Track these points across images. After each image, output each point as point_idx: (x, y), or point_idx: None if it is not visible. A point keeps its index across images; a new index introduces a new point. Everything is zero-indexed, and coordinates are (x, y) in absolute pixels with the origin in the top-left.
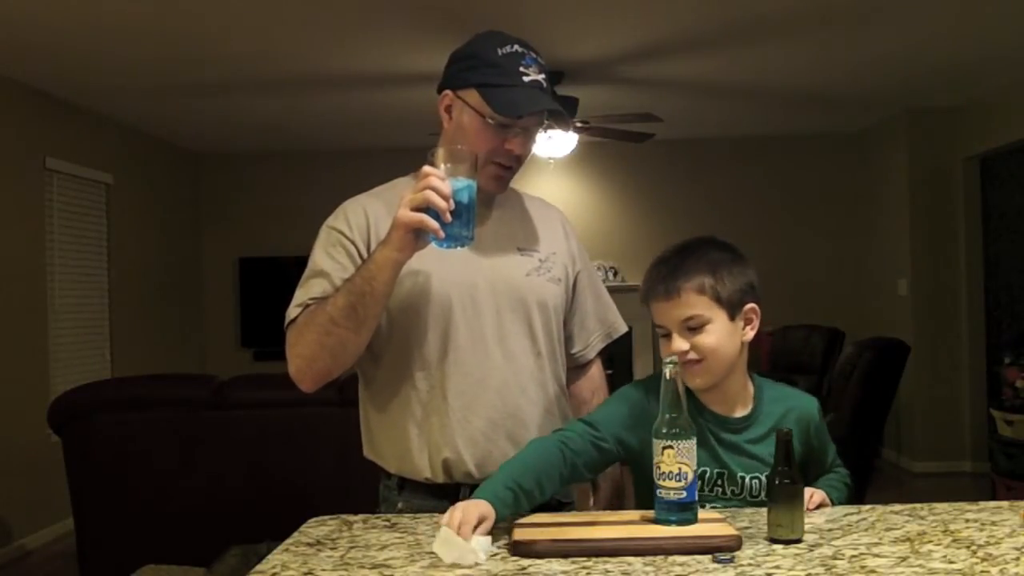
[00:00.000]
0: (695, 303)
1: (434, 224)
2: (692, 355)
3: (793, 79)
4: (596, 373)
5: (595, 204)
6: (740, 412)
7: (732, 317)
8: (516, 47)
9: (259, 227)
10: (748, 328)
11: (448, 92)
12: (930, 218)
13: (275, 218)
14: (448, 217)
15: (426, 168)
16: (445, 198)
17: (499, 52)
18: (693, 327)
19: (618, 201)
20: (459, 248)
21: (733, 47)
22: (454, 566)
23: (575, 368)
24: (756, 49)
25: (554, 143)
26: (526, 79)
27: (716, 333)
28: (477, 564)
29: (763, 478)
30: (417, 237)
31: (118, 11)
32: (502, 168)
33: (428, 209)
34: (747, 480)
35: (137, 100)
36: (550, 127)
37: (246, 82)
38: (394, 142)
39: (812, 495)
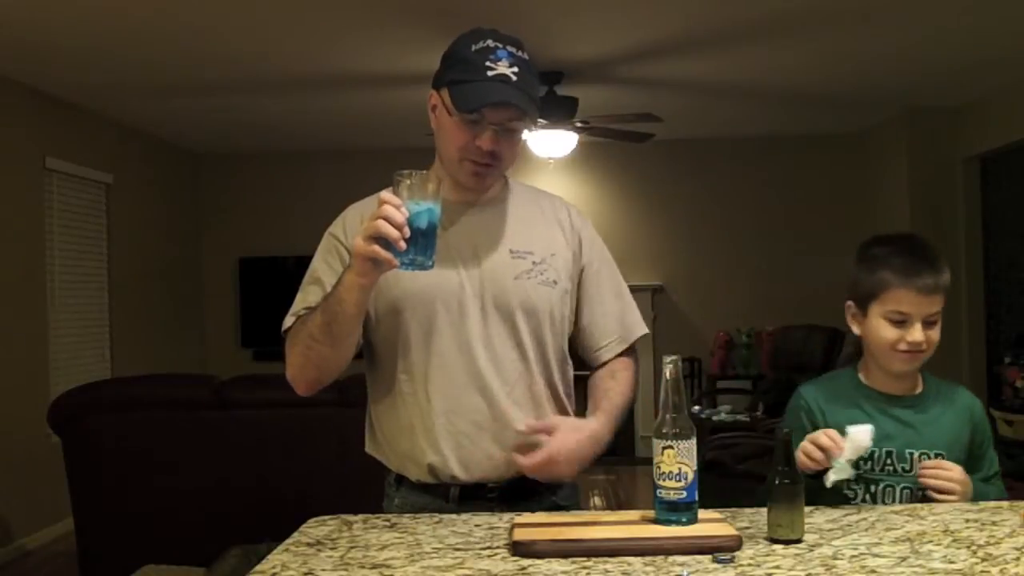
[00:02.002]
0: (940, 302)
1: (386, 255)
2: (923, 346)
3: (793, 79)
4: (620, 367)
5: (595, 204)
6: (913, 392)
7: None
8: (490, 42)
9: (259, 227)
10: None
11: (432, 92)
12: (930, 218)
13: (275, 218)
14: (402, 246)
15: (382, 195)
16: (399, 227)
17: (472, 48)
18: (931, 321)
19: (618, 201)
20: (420, 270)
21: (733, 47)
22: (455, 566)
23: (598, 365)
24: (756, 49)
25: (554, 143)
26: (490, 73)
27: (939, 328)
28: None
29: (931, 454)
30: (375, 264)
31: (118, 11)
32: (477, 165)
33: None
34: (915, 456)
35: (137, 100)
36: (536, 124)
37: (246, 82)
38: (394, 142)
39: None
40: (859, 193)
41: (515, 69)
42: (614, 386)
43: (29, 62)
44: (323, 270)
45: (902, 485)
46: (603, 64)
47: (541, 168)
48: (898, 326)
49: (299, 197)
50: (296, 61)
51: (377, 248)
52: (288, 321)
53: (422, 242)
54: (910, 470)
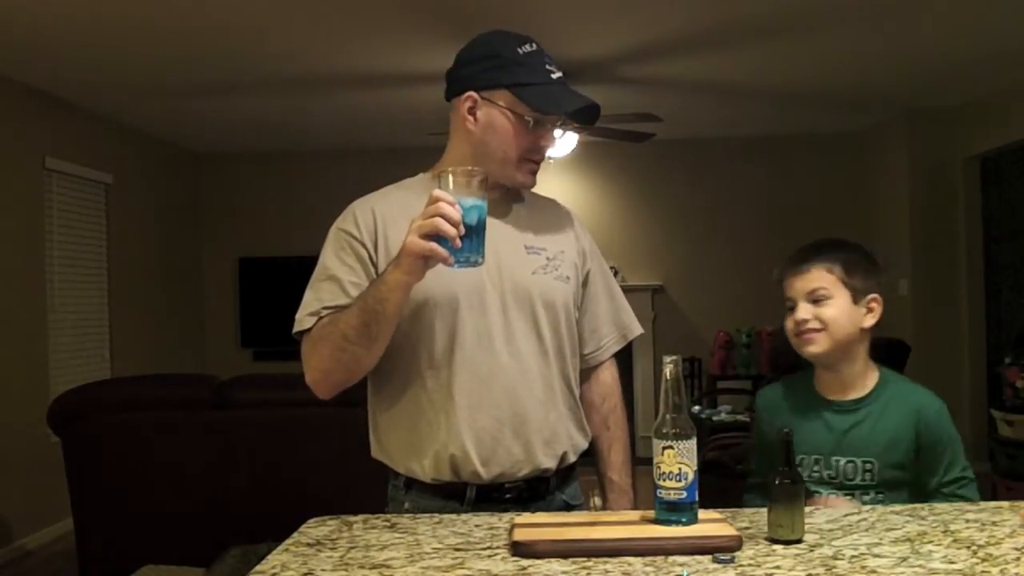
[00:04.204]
0: (821, 279)
1: (444, 253)
2: (813, 324)
3: (793, 79)
4: (608, 376)
5: (595, 204)
6: (853, 396)
7: (855, 300)
8: (534, 45)
9: (259, 227)
10: (869, 315)
11: (471, 94)
12: (930, 218)
13: (275, 218)
14: (458, 243)
15: (435, 192)
16: (455, 224)
17: (520, 51)
18: (817, 299)
19: (618, 201)
20: (469, 268)
21: (733, 47)
22: (455, 566)
23: (587, 370)
24: (756, 49)
25: (554, 143)
26: (554, 76)
27: (837, 308)
28: None
29: (857, 462)
30: (426, 262)
31: (118, 11)
32: (535, 163)
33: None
34: (841, 464)
35: (137, 100)
36: (565, 125)
37: (246, 82)
38: (394, 142)
39: (828, 501)
40: (859, 193)
41: (561, 72)
42: (616, 446)
43: (29, 62)
44: (337, 267)
45: (828, 492)
46: (603, 64)
47: (541, 168)
48: (790, 313)
49: (299, 197)
50: (297, 61)
51: (435, 246)
52: (307, 322)
53: (475, 239)
54: (836, 477)
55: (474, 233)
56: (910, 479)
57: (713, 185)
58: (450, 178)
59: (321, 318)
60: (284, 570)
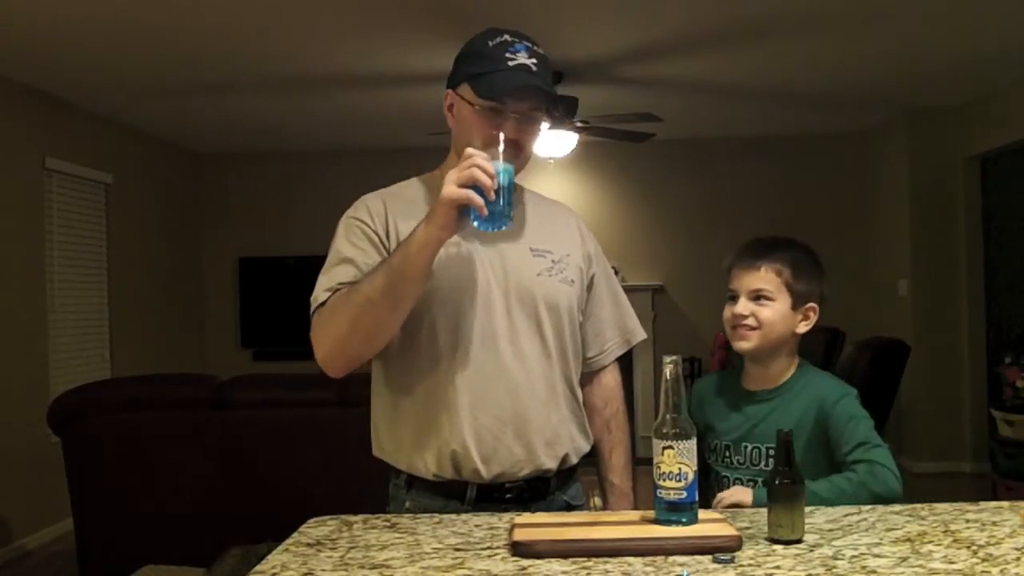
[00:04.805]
0: (768, 280)
1: (479, 200)
2: (750, 321)
3: (793, 79)
4: (610, 380)
5: (595, 204)
6: (770, 386)
7: (794, 306)
8: (506, 37)
9: (259, 227)
10: (803, 323)
11: (448, 91)
12: (930, 218)
13: (275, 218)
14: (492, 195)
15: (469, 150)
16: (490, 176)
17: (489, 44)
18: (759, 298)
19: (618, 201)
20: (498, 230)
21: (733, 47)
22: (455, 566)
23: (589, 373)
24: (756, 49)
25: (554, 143)
26: (511, 63)
27: (775, 311)
28: None
29: (762, 448)
30: (460, 215)
31: (118, 11)
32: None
33: (473, 187)
34: (748, 450)
35: (137, 100)
36: (553, 116)
37: (246, 82)
38: (394, 142)
39: (731, 495)
40: (859, 193)
41: (534, 60)
42: (618, 449)
43: (29, 62)
44: (351, 251)
45: (735, 477)
46: (603, 64)
47: (541, 168)
48: (731, 304)
49: (299, 197)
50: (296, 61)
51: (472, 193)
52: (323, 296)
53: (506, 199)
54: (744, 463)
55: (505, 191)
56: (814, 468)
57: (713, 185)
58: (478, 144)
59: (337, 291)
60: (284, 570)
